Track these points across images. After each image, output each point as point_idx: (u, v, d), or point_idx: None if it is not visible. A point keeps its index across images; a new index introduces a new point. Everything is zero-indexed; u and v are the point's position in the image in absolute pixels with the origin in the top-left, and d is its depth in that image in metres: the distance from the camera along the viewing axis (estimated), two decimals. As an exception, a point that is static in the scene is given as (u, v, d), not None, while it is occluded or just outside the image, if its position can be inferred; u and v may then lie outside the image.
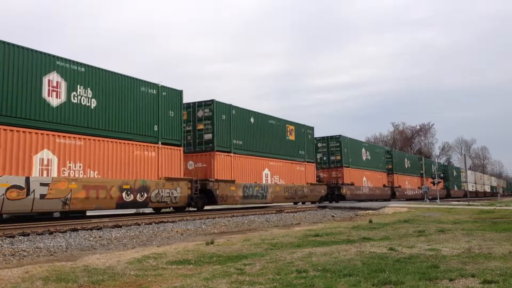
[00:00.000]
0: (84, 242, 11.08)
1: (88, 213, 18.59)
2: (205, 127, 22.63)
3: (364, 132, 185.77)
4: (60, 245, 10.45)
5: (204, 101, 22.92)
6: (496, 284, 5.19)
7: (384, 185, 44.43)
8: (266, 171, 26.20)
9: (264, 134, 26.44)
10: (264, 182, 25.78)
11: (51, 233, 12.37)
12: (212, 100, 22.66)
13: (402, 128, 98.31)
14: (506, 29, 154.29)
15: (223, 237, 11.46)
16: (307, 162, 31.18)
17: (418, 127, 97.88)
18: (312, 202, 31.55)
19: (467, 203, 30.60)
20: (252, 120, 25.57)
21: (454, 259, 6.95)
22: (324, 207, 27.48)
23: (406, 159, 53.19)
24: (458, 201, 44.05)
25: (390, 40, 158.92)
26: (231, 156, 23.43)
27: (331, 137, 36.72)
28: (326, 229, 12.99)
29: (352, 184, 36.90)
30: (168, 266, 7.00)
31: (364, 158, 40.08)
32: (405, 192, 50.35)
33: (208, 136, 22.50)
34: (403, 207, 24.43)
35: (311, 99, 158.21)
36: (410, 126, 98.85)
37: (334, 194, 34.89)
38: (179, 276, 6.15)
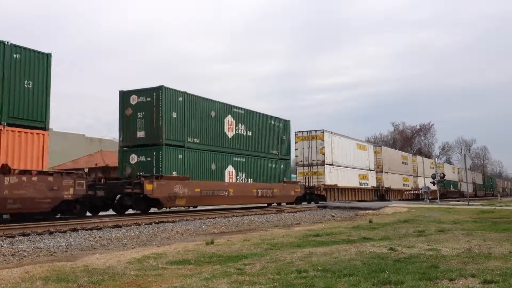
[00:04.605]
0: (84, 242, 11.08)
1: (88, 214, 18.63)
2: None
3: (364, 132, 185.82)
4: (60, 245, 10.45)
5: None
6: (496, 284, 5.18)
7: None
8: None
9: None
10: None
11: (51, 233, 12.37)
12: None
13: (402, 128, 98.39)
14: (506, 29, 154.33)
15: (223, 237, 11.47)
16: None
17: (418, 127, 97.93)
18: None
19: (467, 203, 30.61)
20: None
21: (454, 259, 6.95)
22: (324, 207, 27.44)
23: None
24: (458, 200, 43.37)
25: (390, 40, 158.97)
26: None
27: None
28: (326, 229, 12.99)
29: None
30: (168, 266, 7.00)
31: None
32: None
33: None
34: (403, 207, 24.46)
35: (311, 99, 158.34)
36: (410, 126, 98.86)
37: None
38: (179, 276, 6.15)
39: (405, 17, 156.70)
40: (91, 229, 13.44)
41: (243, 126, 25.12)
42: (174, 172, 20.00)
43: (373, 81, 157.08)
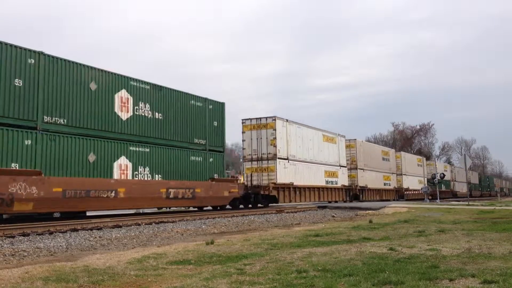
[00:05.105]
0: (84, 242, 11.08)
1: (88, 213, 18.61)
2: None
3: (364, 132, 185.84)
4: (60, 245, 10.45)
5: None
6: (496, 284, 5.18)
7: None
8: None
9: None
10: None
11: (51, 233, 12.38)
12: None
13: (402, 128, 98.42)
14: (506, 29, 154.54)
15: (223, 237, 11.47)
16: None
17: (418, 127, 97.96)
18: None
19: (466, 203, 30.60)
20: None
21: (454, 259, 6.95)
22: (324, 207, 27.44)
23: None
24: (458, 201, 43.17)
25: (390, 40, 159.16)
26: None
27: None
28: (326, 229, 12.99)
29: None
30: (168, 266, 7.00)
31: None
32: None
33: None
34: (403, 207, 24.46)
35: (312, 99, 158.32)
36: (410, 126, 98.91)
37: None
38: (179, 276, 6.15)
39: (405, 17, 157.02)
40: (91, 229, 13.44)
41: (147, 105, 19.27)
42: (14, 165, 14.14)
43: (373, 81, 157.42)
